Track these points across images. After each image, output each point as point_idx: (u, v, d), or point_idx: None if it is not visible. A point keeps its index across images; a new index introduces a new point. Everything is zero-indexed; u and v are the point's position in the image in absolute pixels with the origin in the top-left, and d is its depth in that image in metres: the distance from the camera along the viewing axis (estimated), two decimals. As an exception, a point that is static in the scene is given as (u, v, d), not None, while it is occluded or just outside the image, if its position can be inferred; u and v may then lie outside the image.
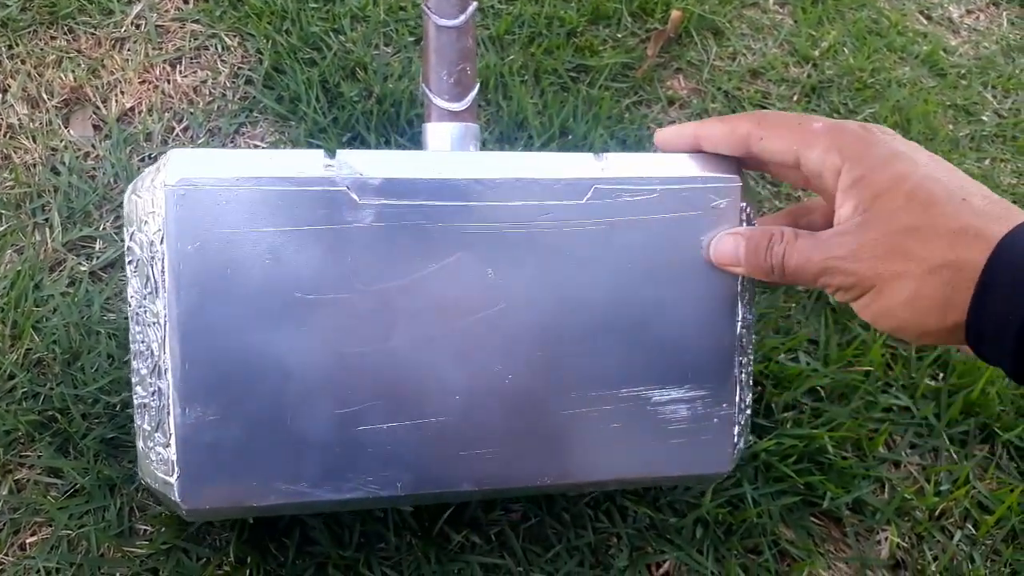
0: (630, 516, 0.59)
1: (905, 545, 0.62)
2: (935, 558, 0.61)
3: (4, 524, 0.54)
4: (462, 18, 0.47)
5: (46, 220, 0.67)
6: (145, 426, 0.43)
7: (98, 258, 0.66)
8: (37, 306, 0.62)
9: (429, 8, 0.47)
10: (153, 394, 0.42)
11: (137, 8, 0.80)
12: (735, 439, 0.49)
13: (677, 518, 0.59)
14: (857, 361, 0.69)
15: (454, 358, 0.44)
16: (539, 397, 0.45)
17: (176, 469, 0.42)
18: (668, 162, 0.46)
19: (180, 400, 0.41)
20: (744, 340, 0.48)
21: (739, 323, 0.48)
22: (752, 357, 0.49)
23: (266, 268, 0.41)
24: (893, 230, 0.38)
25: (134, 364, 0.43)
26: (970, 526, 0.63)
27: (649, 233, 0.45)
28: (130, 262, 0.43)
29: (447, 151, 0.48)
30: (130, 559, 0.53)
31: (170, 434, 0.42)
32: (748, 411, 0.50)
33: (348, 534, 0.55)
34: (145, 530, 0.55)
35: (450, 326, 0.44)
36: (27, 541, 0.54)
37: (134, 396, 0.44)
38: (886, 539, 0.62)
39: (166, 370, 0.41)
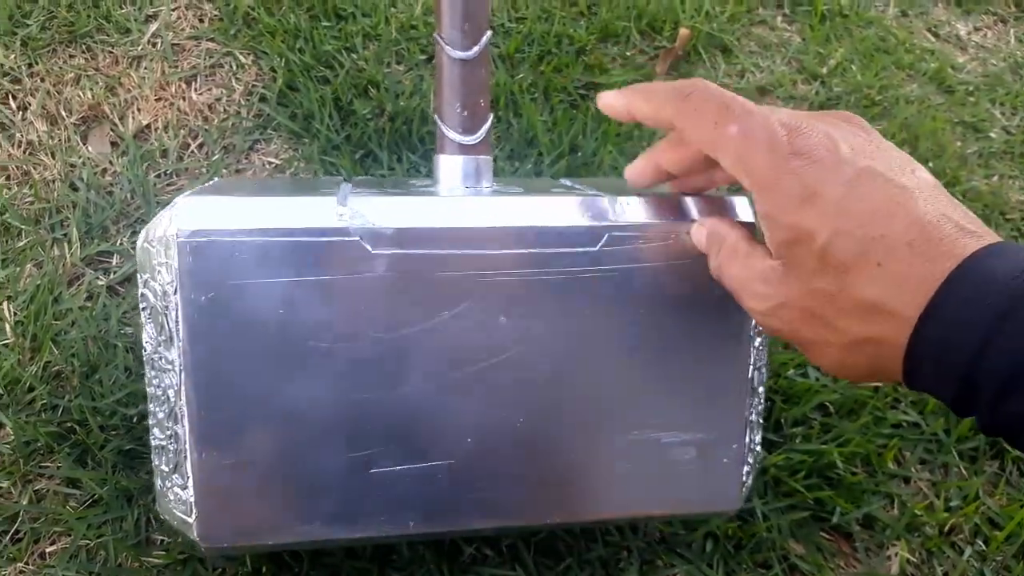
0: (640, 529, 0.59)
1: (915, 561, 0.62)
2: (945, 574, 0.61)
3: (25, 533, 0.54)
4: (476, 49, 0.46)
5: (65, 235, 0.68)
6: (163, 467, 0.44)
7: (115, 272, 0.67)
8: (56, 319, 0.63)
9: (442, 39, 0.46)
10: (170, 438, 0.43)
11: (153, 27, 0.82)
12: (744, 478, 0.49)
13: (687, 532, 0.59)
14: (866, 376, 0.69)
15: (466, 402, 0.44)
16: (550, 439, 0.46)
17: (194, 510, 0.43)
18: (684, 206, 0.46)
19: (197, 445, 0.42)
20: (755, 381, 0.49)
21: (751, 366, 0.48)
22: (763, 395, 0.50)
23: (279, 318, 0.41)
24: (809, 293, 0.36)
25: (151, 407, 0.44)
26: (980, 542, 0.63)
27: (663, 279, 0.45)
28: (144, 308, 0.43)
29: (459, 191, 0.48)
30: (147, 569, 0.54)
31: (187, 477, 0.42)
32: (758, 448, 0.50)
33: (361, 545, 0.56)
34: (162, 540, 0.55)
35: (462, 371, 0.44)
36: (47, 550, 0.54)
37: (151, 438, 0.44)
38: (896, 555, 0.62)
39: (182, 416, 0.42)
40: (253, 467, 0.43)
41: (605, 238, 0.44)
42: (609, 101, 0.45)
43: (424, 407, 0.44)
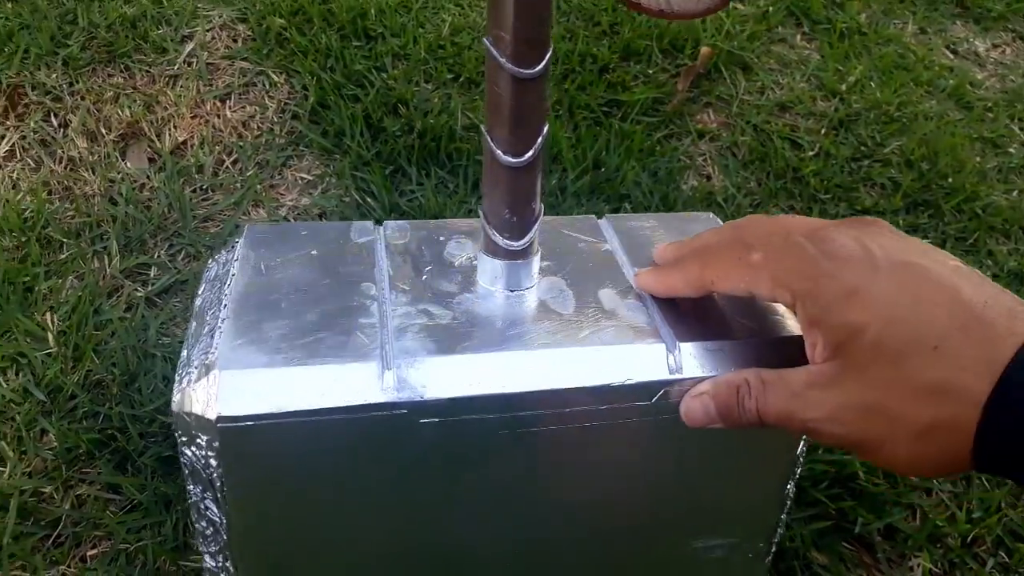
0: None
1: (937, 571, 0.62)
2: (967, 584, 0.62)
3: (66, 537, 0.56)
4: (528, 155, 0.41)
5: (104, 248, 0.70)
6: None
7: (153, 284, 0.69)
8: (97, 330, 0.65)
9: (492, 141, 0.41)
10: (221, 572, 0.45)
11: (189, 47, 0.84)
12: (767, 562, 0.51)
13: (711, 541, 0.60)
14: (887, 389, 0.70)
15: (509, 533, 0.46)
16: (588, 560, 0.48)
17: None
18: (744, 352, 0.43)
19: None
20: (791, 491, 0.49)
21: (791, 480, 0.48)
22: (793, 490, 0.50)
23: (324, 493, 0.42)
24: (868, 387, 0.34)
25: (200, 543, 0.44)
26: (1003, 554, 0.64)
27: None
28: (185, 465, 0.42)
29: (501, 297, 0.46)
30: (185, 573, 0.55)
31: None
32: (782, 530, 0.51)
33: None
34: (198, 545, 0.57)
35: (507, 513, 0.45)
36: (88, 554, 0.56)
37: (203, 564, 0.45)
38: (918, 565, 0.62)
39: (232, 570, 0.44)
40: None
41: (660, 393, 0.42)
42: (647, 286, 0.45)
43: (469, 553, 0.45)
